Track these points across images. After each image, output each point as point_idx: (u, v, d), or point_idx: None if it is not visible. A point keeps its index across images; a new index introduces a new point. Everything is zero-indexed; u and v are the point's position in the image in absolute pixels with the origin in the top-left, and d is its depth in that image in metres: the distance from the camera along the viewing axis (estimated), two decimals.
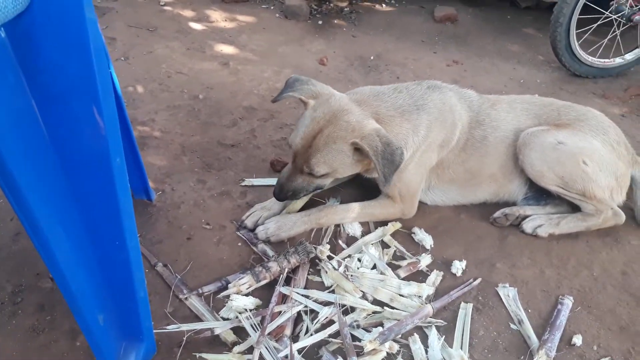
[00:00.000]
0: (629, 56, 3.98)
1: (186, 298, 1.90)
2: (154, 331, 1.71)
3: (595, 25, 3.83)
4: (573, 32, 3.74)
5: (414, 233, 2.29)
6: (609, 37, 3.92)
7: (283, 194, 2.12)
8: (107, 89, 1.24)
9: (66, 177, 1.29)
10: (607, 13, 3.81)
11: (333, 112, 2.01)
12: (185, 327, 1.77)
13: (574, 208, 2.37)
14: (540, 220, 2.32)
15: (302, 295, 1.92)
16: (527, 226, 2.32)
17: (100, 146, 1.27)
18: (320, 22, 4.53)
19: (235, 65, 3.68)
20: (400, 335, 1.81)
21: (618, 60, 3.97)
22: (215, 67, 3.64)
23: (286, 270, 1.97)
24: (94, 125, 1.25)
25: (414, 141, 2.19)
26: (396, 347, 1.76)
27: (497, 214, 2.38)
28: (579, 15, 3.71)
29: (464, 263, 2.14)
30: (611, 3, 3.85)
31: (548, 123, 2.36)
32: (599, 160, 2.24)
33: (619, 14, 3.79)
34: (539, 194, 2.43)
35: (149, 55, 3.70)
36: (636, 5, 3.73)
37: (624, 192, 2.36)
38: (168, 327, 1.76)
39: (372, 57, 4.07)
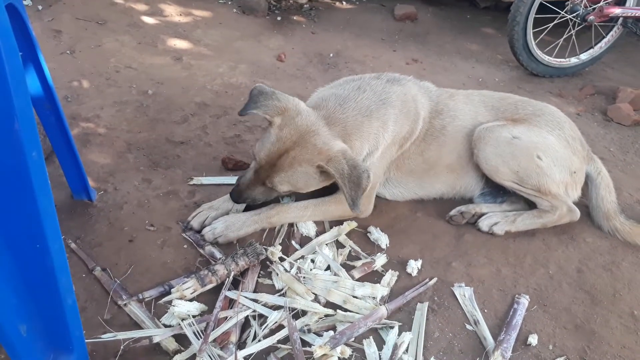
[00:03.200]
0: (584, 56, 4.04)
1: (125, 304, 1.77)
2: (87, 341, 1.58)
3: (552, 25, 3.87)
4: (530, 31, 3.77)
5: (369, 232, 2.22)
6: (564, 37, 3.97)
7: (242, 199, 2.07)
8: (18, 77, 1.12)
9: None
10: (562, 13, 3.85)
11: (300, 133, 1.93)
12: (121, 335, 1.64)
13: (531, 205, 2.35)
14: (497, 218, 2.29)
15: (251, 299, 1.82)
16: (484, 224, 2.28)
17: (13, 140, 1.14)
18: (279, 18, 4.44)
19: (189, 60, 3.54)
20: (353, 339, 1.73)
21: (573, 60, 4.02)
22: (167, 62, 3.49)
23: (233, 273, 1.86)
24: (5, 117, 1.12)
25: (384, 137, 2.14)
26: (348, 351, 1.68)
27: (454, 211, 2.34)
28: (536, 14, 3.74)
29: (419, 262, 2.08)
30: (567, 3, 3.89)
31: (505, 117, 2.34)
32: (553, 155, 2.23)
33: (574, 14, 3.83)
34: (496, 191, 2.40)
35: (96, 49, 3.53)
36: (591, 6, 3.78)
37: (579, 188, 2.35)
38: (103, 336, 1.63)
39: (331, 54, 4.00)
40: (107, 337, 1.63)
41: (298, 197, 2.31)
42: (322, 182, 2.02)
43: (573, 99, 3.72)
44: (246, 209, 2.19)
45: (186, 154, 2.59)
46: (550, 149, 2.23)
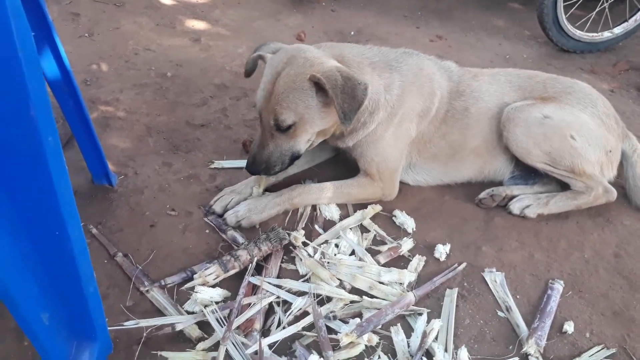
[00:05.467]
0: (618, 30, 3.85)
1: (147, 291, 1.74)
2: (111, 328, 1.56)
3: None
4: (560, 5, 3.59)
5: (395, 216, 2.15)
6: (597, 10, 3.78)
7: (256, 165, 1.97)
8: (31, 60, 1.07)
9: None
10: None
11: (290, 53, 1.91)
12: (144, 322, 1.61)
13: (563, 186, 2.25)
14: (528, 201, 2.20)
15: (274, 285, 1.77)
16: (515, 207, 2.19)
17: (28, 125, 1.10)
18: None
19: (207, 41, 3.48)
20: (380, 326, 1.67)
21: (606, 35, 3.83)
22: (185, 44, 3.43)
23: (256, 258, 1.82)
24: (19, 102, 1.08)
25: (386, 100, 2.06)
26: (375, 339, 1.63)
27: (483, 194, 2.25)
28: None
29: (448, 247, 2.00)
30: None
31: (533, 96, 2.23)
32: (587, 134, 2.12)
33: None
34: (527, 173, 2.30)
35: (115, 31, 3.48)
36: None
37: (615, 168, 2.24)
38: (126, 323, 1.61)
39: (352, 33, 3.89)
40: (129, 324, 1.60)
41: (321, 181, 2.25)
42: (324, 107, 1.88)
43: (606, 75, 3.55)
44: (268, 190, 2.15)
45: (206, 137, 2.54)
46: (584, 128, 2.12)
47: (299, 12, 4.09)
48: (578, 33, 3.76)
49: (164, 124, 2.61)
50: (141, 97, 2.81)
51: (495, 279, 1.90)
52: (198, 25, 3.70)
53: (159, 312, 1.69)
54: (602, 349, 1.68)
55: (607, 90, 3.34)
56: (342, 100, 1.78)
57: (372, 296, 1.78)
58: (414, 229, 2.10)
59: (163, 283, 1.77)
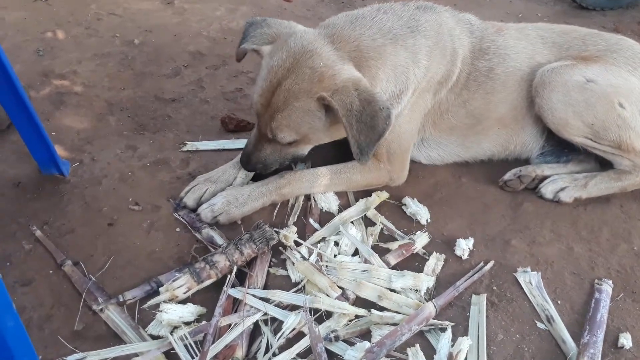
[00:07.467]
0: None
1: (101, 309, 1.39)
2: None
3: None
4: None
5: (405, 204, 1.80)
6: None
7: (251, 165, 1.69)
8: None
9: None
10: None
11: (293, 56, 1.51)
12: (93, 356, 1.27)
13: (603, 164, 1.91)
14: (563, 182, 1.85)
15: (260, 298, 1.43)
16: (547, 190, 1.85)
17: None
18: None
19: (181, 4, 3.11)
20: (394, 348, 1.33)
21: None
22: (156, 7, 3.05)
23: (237, 264, 1.46)
24: None
25: (415, 75, 1.69)
26: None
27: (509, 175, 1.90)
28: None
29: (470, 241, 1.66)
30: None
31: (571, 55, 1.87)
32: (638, 102, 1.77)
33: None
34: (559, 148, 1.96)
35: None
36: None
37: None
38: (69, 358, 1.26)
39: None
40: (74, 359, 1.25)
41: (314, 163, 1.89)
42: (332, 127, 1.58)
43: (632, 35, 3.18)
44: (254, 179, 1.79)
45: (178, 113, 2.18)
46: (634, 94, 1.78)
47: None
48: None
49: (128, 99, 2.24)
50: (103, 69, 2.43)
51: (529, 280, 1.56)
52: None
53: (116, 337, 1.35)
54: None
55: None
56: (357, 132, 1.46)
57: (382, 308, 1.44)
58: (429, 220, 1.75)
59: (122, 299, 1.42)
